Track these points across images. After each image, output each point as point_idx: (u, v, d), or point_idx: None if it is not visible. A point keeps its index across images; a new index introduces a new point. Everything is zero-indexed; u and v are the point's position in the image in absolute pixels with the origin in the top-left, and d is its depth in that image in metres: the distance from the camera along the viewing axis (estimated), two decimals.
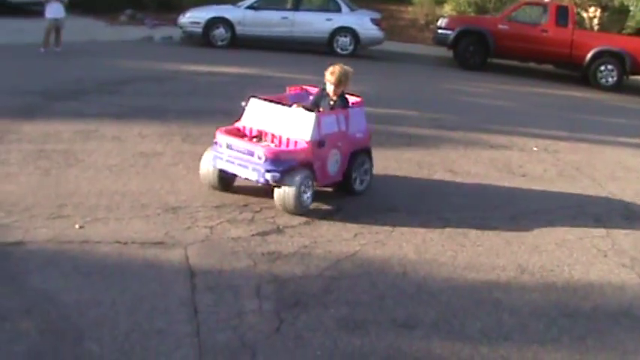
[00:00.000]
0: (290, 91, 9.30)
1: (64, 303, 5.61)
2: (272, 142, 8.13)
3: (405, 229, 7.75)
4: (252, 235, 7.15)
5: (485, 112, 15.36)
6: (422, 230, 7.80)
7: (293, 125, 8.00)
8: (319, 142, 7.90)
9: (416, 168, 10.20)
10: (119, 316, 5.50)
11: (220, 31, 21.00)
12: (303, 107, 8.25)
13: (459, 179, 9.87)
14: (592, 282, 7.07)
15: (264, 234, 7.18)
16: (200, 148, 9.23)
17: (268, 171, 7.61)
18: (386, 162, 10.12)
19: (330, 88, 8.51)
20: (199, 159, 8.23)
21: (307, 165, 7.86)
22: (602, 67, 21.53)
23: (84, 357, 4.98)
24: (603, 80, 21.60)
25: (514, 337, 5.86)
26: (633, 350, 5.98)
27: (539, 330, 6.04)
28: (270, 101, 8.36)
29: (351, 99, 8.77)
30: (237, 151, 7.87)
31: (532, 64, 22.97)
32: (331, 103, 8.53)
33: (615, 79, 21.61)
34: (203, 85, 14.49)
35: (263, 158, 7.64)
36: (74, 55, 17.28)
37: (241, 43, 21.04)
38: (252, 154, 7.73)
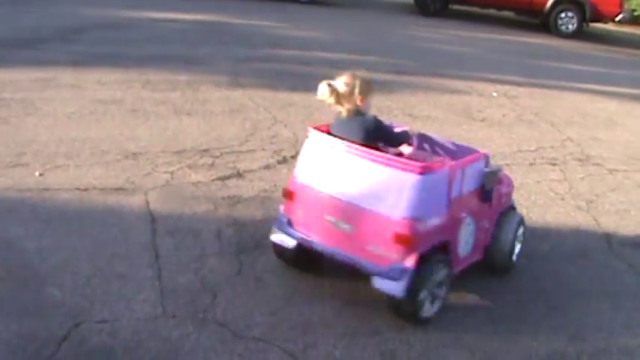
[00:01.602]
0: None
1: (25, 250, 5.63)
2: None
3: None
4: (213, 179, 7.17)
5: (445, 57, 15.37)
6: None
7: None
8: None
9: (375, 112, 10.05)
10: (80, 261, 5.52)
11: None
12: None
13: (418, 123, 9.91)
14: (549, 224, 7.18)
15: (224, 178, 7.21)
16: (159, 95, 9.26)
17: None
18: None
19: None
20: (158, 105, 8.17)
21: None
22: (562, 15, 21.56)
23: (46, 302, 5.00)
24: (563, 27, 21.66)
25: (469, 275, 5.93)
26: (587, 290, 6.12)
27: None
28: None
29: None
30: None
31: (492, 11, 22.95)
32: None
33: (575, 26, 21.67)
34: (162, 31, 14.34)
35: None
36: (30, 2, 17.03)
37: None
38: None
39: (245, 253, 5.85)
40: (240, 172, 7.43)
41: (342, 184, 5.29)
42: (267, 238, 6.03)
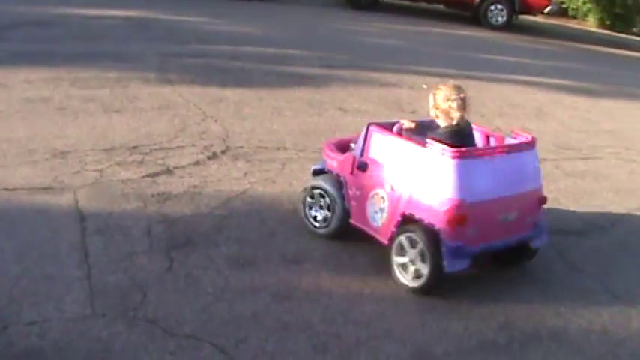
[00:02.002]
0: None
1: None
2: None
3: (294, 167, 7.85)
4: (142, 176, 7.12)
5: (376, 51, 15.43)
6: (311, 167, 7.86)
7: None
8: (360, 164, 6.12)
9: (306, 106, 10.27)
10: (8, 263, 5.43)
11: None
12: None
13: (349, 117, 9.97)
14: None
15: (154, 175, 7.16)
16: (88, 92, 9.17)
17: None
18: (275, 101, 10.19)
19: None
20: (87, 102, 8.08)
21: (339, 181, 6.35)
22: (492, 7, 21.83)
23: None
24: (493, 20, 21.92)
25: None
26: (517, 277, 6.22)
27: None
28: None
29: None
30: None
31: (423, 4, 23.06)
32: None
33: (505, 18, 21.96)
34: (91, 28, 14.14)
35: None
36: None
37: None
38: None
39: (175, 250, 5.82)
40: (170, 168, 7.39)
41: (507, 183, 5.85)
42: (198, 233, 6.06)
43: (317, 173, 6.62)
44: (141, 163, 7.44)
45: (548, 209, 7.62)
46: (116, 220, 6.23)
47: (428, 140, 5.65)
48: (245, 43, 13.90)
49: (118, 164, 7.31)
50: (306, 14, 19.91)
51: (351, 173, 6.18)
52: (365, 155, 6.10)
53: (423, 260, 5.59)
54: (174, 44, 13.09)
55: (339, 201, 6.26)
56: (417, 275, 5.65)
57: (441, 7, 23.26)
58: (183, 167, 7.46)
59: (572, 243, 7.10)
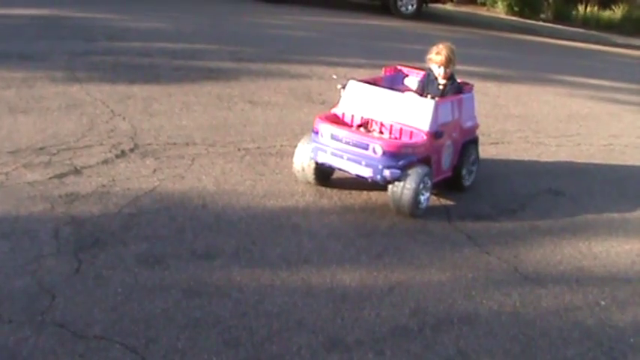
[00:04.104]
0: (385, 72, 8.51)
1: None
2: (380, 132, 7.27)
3: (204, 162, 7.80)
4: (49, 177, 6.99)
5: (287, 43, 15.45)
6: (221, 162, 7.87)
7: (407, 114, 7.18)
8: (437, 133, 7.18)
9: (215, 100, 10.23)
10: None
11: None
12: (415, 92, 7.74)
13: (258, 109, 9.96)
14: (389, 202, 7.30)
15: (61, 176, 7.04)
16: None
17: (387, 167, 6.87)
18: (185, 97, 10.14)
19: (438, 71, 7.77)
20: None
21: (426, 160, 7.18)
22: None
23: None
24: (403, 8, 22.14)
25: (313, 259, 6.04)
26: (428, 263, 6.27)
27: (337, 251, 6.25)
28: (373, 85, 7.62)
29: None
30: (347, 143, 7.02)
31: None
32: (440, 87, 7.81)
33: (415, 7, 22.18)
34: None
35: (380, 152, 6.87)
36: None
37: None
38: (366, 147, 6.91)
39: (83, 251, 5.72)
40: (78, 168, 7.28)
41: None
42: (106, 233, 5.98)
43: (404, 168, 6.99)
44: (48, 164, 7.31)
45: (460, 194, 7.82)
46: (23, 223, 6.10)
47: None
48: (155, 39, 13.81)
49: (24, 166, 7.17)
50: (217, 8, 19.83)
51: (431, 145, 7.20)
52: (437, 125, 7.18)
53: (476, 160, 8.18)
54: (83, 42, 12.90)
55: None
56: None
57: None
58: (91, 167, 7.35)
59: (483, 227, 7.21)
